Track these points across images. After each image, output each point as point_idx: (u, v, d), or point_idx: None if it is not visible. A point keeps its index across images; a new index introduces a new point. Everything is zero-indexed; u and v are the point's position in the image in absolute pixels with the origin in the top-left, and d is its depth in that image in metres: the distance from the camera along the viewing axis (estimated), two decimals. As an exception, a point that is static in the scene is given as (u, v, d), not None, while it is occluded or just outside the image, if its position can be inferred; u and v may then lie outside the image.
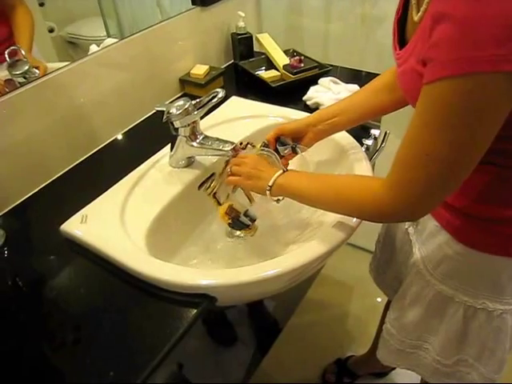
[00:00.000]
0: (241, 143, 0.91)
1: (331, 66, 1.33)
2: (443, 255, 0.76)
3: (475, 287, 0.75)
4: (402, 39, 0.67)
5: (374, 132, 1.05)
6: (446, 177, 0.54)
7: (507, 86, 0.46)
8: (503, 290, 0.74)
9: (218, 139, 0.90)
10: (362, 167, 0.91)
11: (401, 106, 0.84)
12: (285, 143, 0.88)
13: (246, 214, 0.85)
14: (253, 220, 0.85)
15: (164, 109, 0.88)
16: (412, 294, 0.86)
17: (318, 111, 0.91)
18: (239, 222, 0.85)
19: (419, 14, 0.57)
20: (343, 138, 0.99)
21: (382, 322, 1.32)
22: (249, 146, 0.91)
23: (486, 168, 0.62)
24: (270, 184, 0.76)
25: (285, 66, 1.30)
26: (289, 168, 0.82)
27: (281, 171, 0.77)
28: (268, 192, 0.77)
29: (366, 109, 0.87)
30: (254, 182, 0.80)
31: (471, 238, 0.72)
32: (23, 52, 0.90)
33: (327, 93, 1.17)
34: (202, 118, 0.92)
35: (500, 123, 0.50)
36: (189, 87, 1.29)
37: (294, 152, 0.88)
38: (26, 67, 0.90)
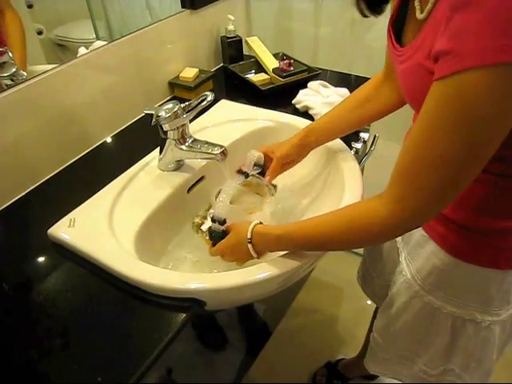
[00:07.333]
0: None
1: (320, 69, 1.34)
2: (432, 266, 0.74)
3: (464, 298, 0.74)
4: (398, 40, 0.65)
5: (363, 135, 1.05)
6: (459, 179, 0.51)
7: None
8: (492, 301, 0.73)
9: (207, 142, 0.90)
10: (351, 167, 0.92)
11: (378, 118, 0.88)
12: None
13: (212, 220, 0.83)
14: (222, 223, 0.81)
15: (153, 112, 0.87)
16: (399, 304, 0.84)
17: (307, 130, 0.90)
18: (212, 232, 0.83)
19: (427, 7, 0.54)
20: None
21: (372, 326, 1.33)
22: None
23: (482, 177, 0.59)
24: (248, 237, 0.72)
25: (274, 70, 1.30)
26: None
27: (254, 222, 0.73)
28: (250, 246, 0.72)
29: (349, 124, 0.90)
30: (237, 256, 0.78)
31: (461, 250, 0.70)
32: (10, 54, 0.89)
33: (316, 96, 1.18)
34: (191, 121, 0.92)
35: None
36: (178, 90, 1.28)
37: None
38: (14, 69, 0.89)
